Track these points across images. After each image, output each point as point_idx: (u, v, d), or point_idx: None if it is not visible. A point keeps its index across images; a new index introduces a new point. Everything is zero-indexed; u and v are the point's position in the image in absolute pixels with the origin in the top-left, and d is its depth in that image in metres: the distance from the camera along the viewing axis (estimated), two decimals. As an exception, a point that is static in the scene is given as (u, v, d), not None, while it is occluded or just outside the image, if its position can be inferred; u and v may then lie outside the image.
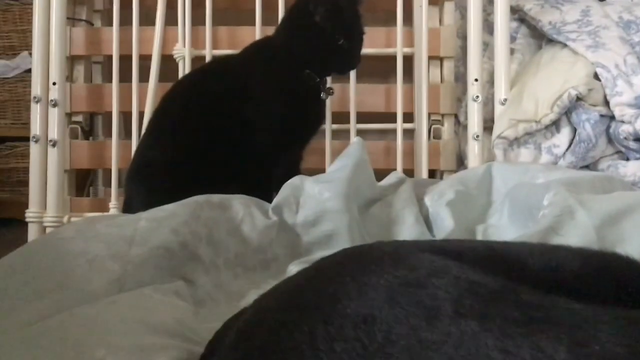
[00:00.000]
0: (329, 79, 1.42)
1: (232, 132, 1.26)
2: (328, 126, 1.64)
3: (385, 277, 0.41)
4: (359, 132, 1.65)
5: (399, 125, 1.68)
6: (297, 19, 1.32)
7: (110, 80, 1.67)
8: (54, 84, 1.62)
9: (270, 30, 1.67)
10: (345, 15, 1.29)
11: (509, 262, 0.45)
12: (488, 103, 1.66)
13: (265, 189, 1.20)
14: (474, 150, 1.60)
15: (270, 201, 1.08)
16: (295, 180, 1.11)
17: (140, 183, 1.28)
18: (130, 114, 1.66)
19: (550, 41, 1.76)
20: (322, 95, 1.35)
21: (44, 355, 0.56)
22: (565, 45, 1.67)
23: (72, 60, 1.76)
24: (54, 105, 1.61)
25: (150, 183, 1.25)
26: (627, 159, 1.55)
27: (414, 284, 0.39)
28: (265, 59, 1.33)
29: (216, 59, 1.62)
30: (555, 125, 1.56)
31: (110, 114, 1.67)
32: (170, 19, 1.71)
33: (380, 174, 1.28)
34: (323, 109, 1.41)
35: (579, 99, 1.52)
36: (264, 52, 1.35)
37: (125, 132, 1.76)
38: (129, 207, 1.26)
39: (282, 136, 1.30)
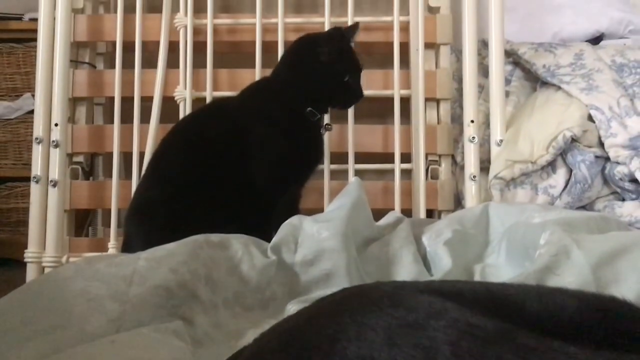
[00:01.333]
0: (326, 116, 1.44)
1: (231, 172, 1.28)
2: (326, 166, 1.66)
3: (385, 318, 0.41)
4: (357, 172, 1.67)
5: (397, 166, 1.70)
6: (301, 60, 1.36)
7: (112, 122, 1.70)
8: (56, 125, 1.63)
9: (269, 73, 1.71)
10: (346, 53, 1.35)
11: (506, 304, 0.45)
12: (484, 144, 1.68)
13: (264, 229, 1.20)
14: (471, 191, 1.61)
15: (269, 240, 1.08)
16: (293, 220, 1.11)
17: (139, 223, 1.28)
18: (130, 154, 1.67)
19: (545, 84, 1.79)
20: (322, 130, 1.38)
21: (42, 396, 0.56)
22: (559, 88, 1.71)
23: (74, 101, 1.78)
24: (56, 146, 1.63)
25: (149, 223, 1.26)
26: (623, 200, 1.56)
27: (412, 325, 0.40)
28: (265, 99, 1.35)
29: (215, 100, 1.64)
30: (551, 166, 1.58)
31: (110, 154, 1.69)
32: (172, 61, 1.74)
33: (379, 214, 1.28)
34: (322, 145, 1.43)
35: (573, 140, 1.54)
36: (263, 92, 1.38)
37: (126, 172, 1.78)
38: (128, 247, 1.27)
39: (283, 174, 1.32)
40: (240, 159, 1.28)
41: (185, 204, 1.24)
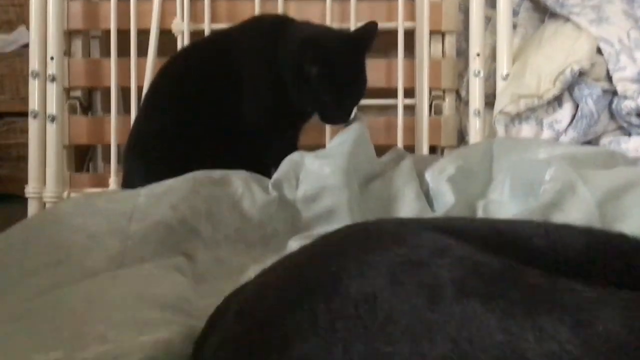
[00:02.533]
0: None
1: (227, 108, 1.24)
2: (328, 101, 1.63)
3: (388, 255, 0.40)
4: (359, 108, 1.64)
5: (400, 101, 1.67)
6: (291, 63, 1.17)
7: (109, 55, 1.66)
8: (52, 58, 1.60)
9: (270, 4, 1.66)
10: (339, 71, 1.16)
11: (513, 241, 0.44)
12: (490, 78, 1.65)
13: (260, 166, 1.18)
14: (475, 126, 1.59)
15: (265, 174, 1.07)
16: (295, 156, 1.10)
17: (138, 157, 1.27)
18: (128, 89, 1.64)
19: (553, 15, 1.74)
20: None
21: (43, 330, 0.57)
22: (568, 20, 1.66)
23: (69, 34, 1.74)
24: (52, 80, 1.60)
25: (147, 156, 1.24)
26: (629, 135, 1.55)
27: (416, 263, 0.39)
28: (259, 41, 1.25)
29: (214, 33, 1.60)
30: (557, 100, 1.55)
31: (108, 89, 1.66)
32: (169, -8, 1.69)
33: (381, 150, 1.27)
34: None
35: (581, 74, 1.50)
36: (258, 34, 1.27)
37: (124, 107, 1.75)
38: (127, 182, 1.26)
39: (273, 120, 1.25)
40: (236, 95, 1.24)
41: (182, 138, 1.22)
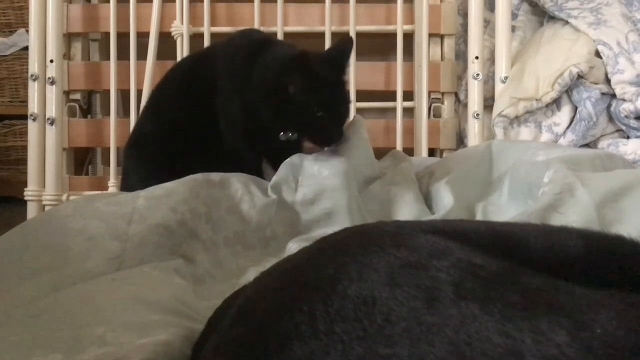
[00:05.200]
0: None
1: (215, 117, 1.20)
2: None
3: (386, 258, 0.40)
4: (359, 111, 1.64)
5: (399, 104, 1.67)
6: (270, 89, 1.08)
7: (108, 58, 1.66)
8: (52, 61, 1.60)
9: (269, 7, 1.66)
10: (322, 85, 1.07)
11: (511, 244, 0.44)
12: (489, 81, 1.65)
13: (252, 167, 1.17)
14: (474, 129, 1.59)
15: (261, 177, 1.07)
16: (294, 159, 1.10)
17: (135, 156, 1.27)
18: (128, 92, 1.64)
19: (552, 18, 1.74)
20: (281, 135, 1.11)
21: (43, 332, 0.57)
22: (566, 23, 1.66)
23: (69, 37, 1.74)
24: (52, 83, 1.60)
25: (145, 156, 1.23)
26: (628, 138, 1.55)
27: (415, 265, 0.39)
28: (234, 60, 1.17)
29: (213, 43, 1.58)
30: (556, 103, 1.55)
31: (108, 92, 1.66)
32: (168, -5, 1.69)
33: (380, 153, 1.27)
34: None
35: (580, 76, 1.51)
36: (236, 53, 1.18)
37: (124, 110, 1.75)
38: (126, 182, 1.26)
39: (244, 141, 1.16)
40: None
41: (180, 141, 1.20)
